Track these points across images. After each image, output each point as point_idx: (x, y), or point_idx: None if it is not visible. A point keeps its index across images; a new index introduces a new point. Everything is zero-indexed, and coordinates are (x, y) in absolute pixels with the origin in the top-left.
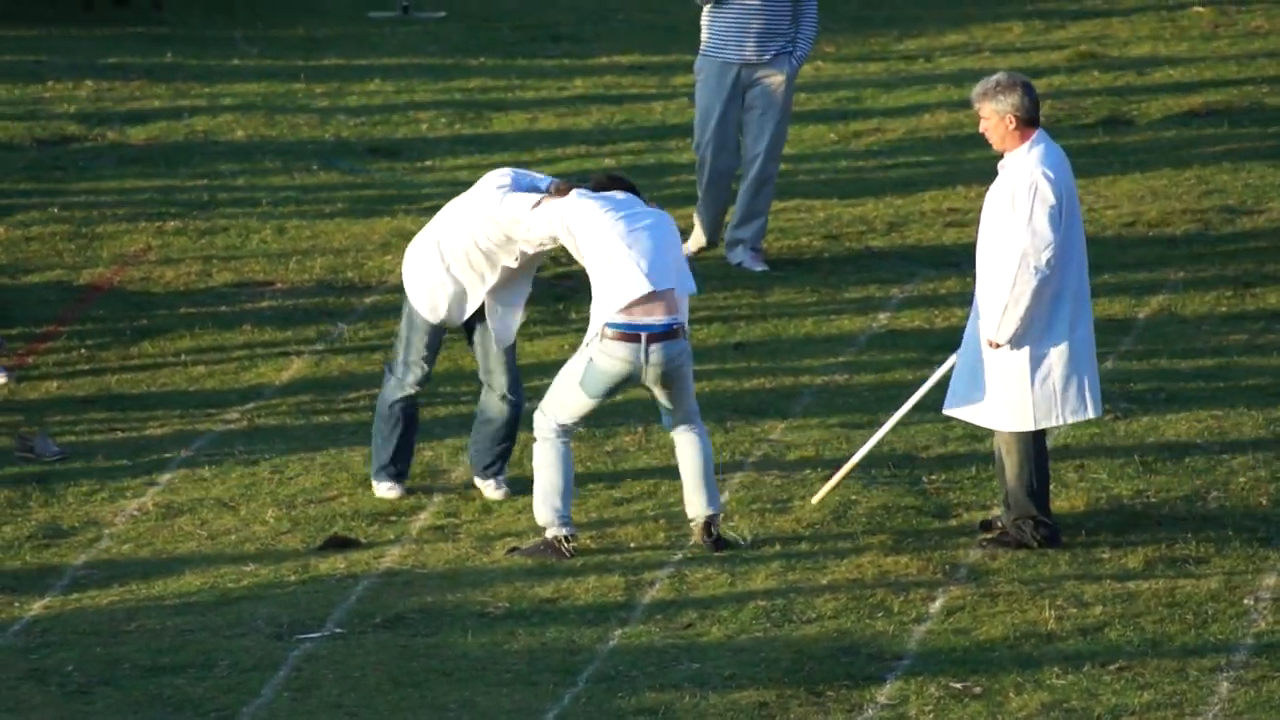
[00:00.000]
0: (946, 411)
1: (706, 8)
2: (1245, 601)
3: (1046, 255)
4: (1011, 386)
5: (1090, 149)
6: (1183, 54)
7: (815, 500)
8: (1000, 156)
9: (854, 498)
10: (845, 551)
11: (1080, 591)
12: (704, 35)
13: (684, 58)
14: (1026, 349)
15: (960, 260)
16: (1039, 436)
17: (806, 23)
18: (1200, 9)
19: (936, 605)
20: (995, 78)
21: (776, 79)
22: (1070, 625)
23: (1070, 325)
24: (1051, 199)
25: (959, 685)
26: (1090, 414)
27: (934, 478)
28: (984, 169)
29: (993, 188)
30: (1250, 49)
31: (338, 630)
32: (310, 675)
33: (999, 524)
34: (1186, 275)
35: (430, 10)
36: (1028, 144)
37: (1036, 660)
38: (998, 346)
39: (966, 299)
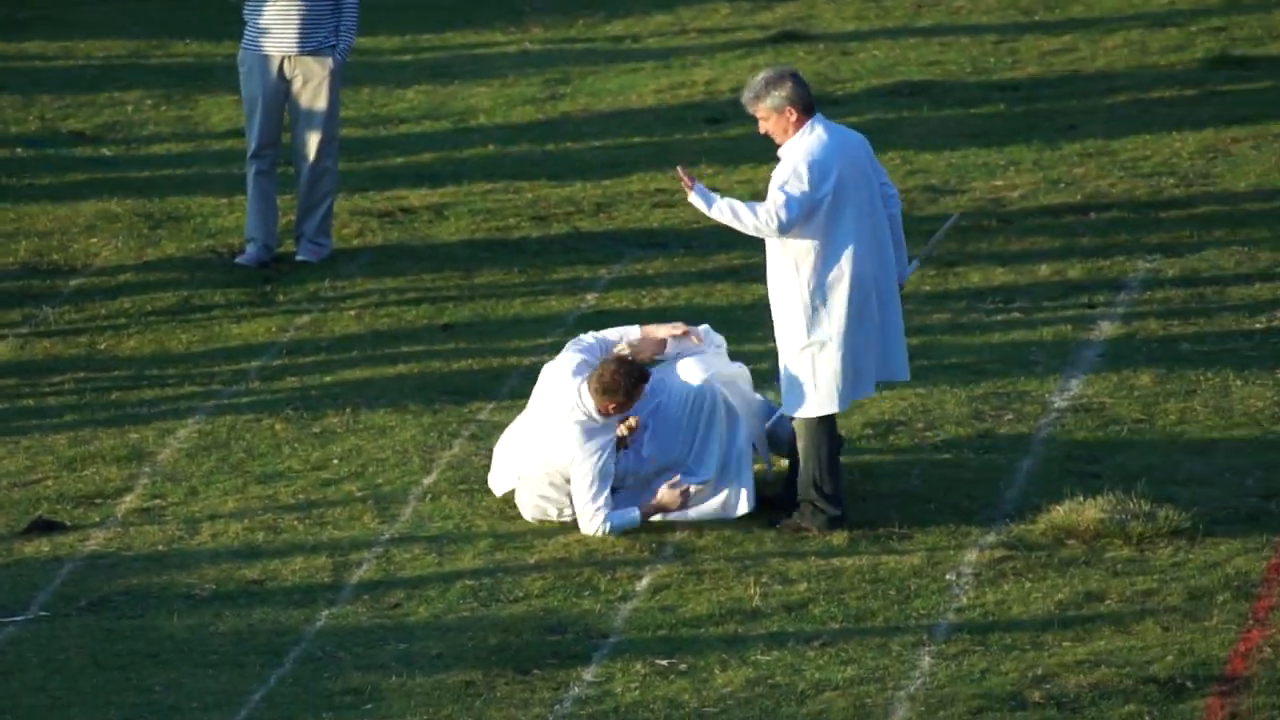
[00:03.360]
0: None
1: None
2: (947, 577)
3: (775, 221)
4: (798, 376)
5: None
6: (887, 34)
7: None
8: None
9: None
10: (553, 531)
11: (785, 569)
12: (246, 28)
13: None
14: (810, 337)
15: (668, 241)
16: (828, 423)
17: (348, 13)
18: None
19: (643, 583)
20: (761, 76)
21: (320, 71)
22: (775, 602)
23: (855, 314)
24: (806, 183)
25: (665, 663)
26: (868, 394)
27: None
28: (692, 150)
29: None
30: (953, 29)
31: (42, 614)
32: (14, 659)
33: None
34: None
35: None
36: (804, 129)
37: (741, 637)
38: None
39: (674, 279)
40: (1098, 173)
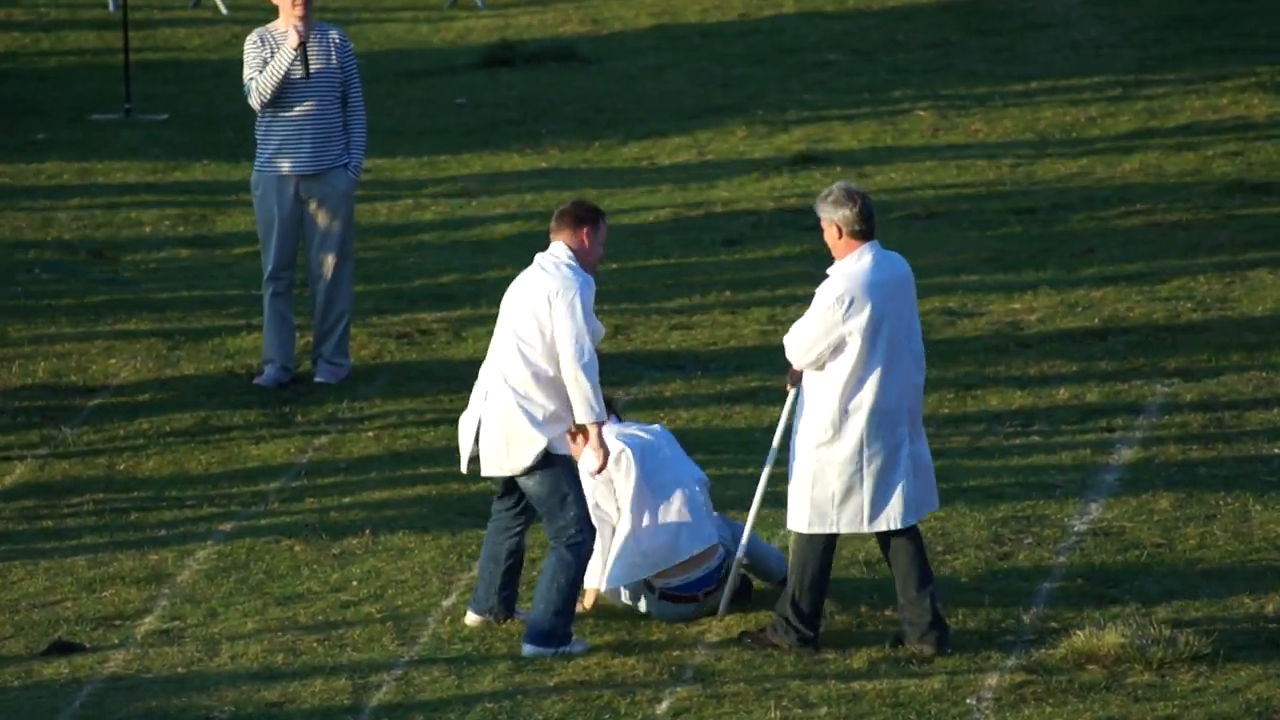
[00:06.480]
0: None
1: (260, 122)
2: (968, 701)
3: (794, 356)
4: (797, 484)
5: (812, 253)
6: (903, 156)
7: (720, 615)
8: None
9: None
10: (572, 655)
11: (805, 692)
12: (258, 148)
13: (405, 160)
14: (814, 452)
15: (685, 363)
16: (819, 544)
17: (357, 131)
18: (921, 112)
19: (663, 707)
20: (834, 187)
21: (335, 189)
22: None
23: (867, 443)
24: (830, 321)
25: None
26: (865, 528)
27: None
28: (709, 272)
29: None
30: (970, 151)
31: None
32: None
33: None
34: None
35: (153, 113)
36: (853, 255)
37: None
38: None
39: (692, 401)
40: (1115, 296)
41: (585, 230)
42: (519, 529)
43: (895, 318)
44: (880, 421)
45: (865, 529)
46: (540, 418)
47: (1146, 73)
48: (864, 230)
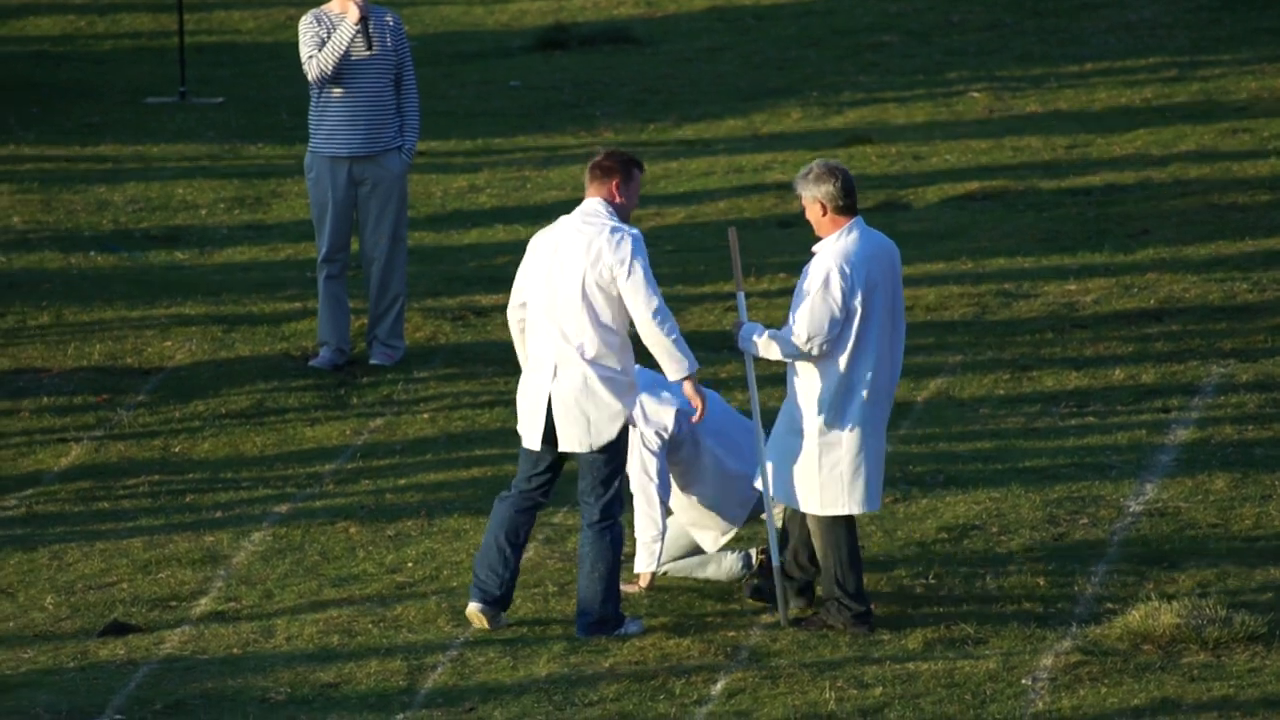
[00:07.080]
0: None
1: (314, 105)
2: (1023, 681)
3: (808, 346)
4: (806, 470)
5: None
6: (959, 138)
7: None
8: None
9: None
10: (627, 635)
11: (860, 673)
12: (311, 130)
13: (461, 142)
14: (818, 434)
15: None
16: (845, 521)
17: (410, 113)
18: (976, 94)
19: (718, 687)
20: (813, 164)
21: (388, 172)
22: (850, 706)
23: (868, 419)
24: (838, 297)
25: None
26: (873, 508)
27: None
28: (764, 253)
29: (805, 269)
30: (1025, 132)
31: (118, 717)
32: None
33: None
34: (964, 358)
35: (208, 96)
36: (840, 231)
37: None
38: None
39: (747, 382)
40: (1171, 277)
41: (615, 182)
42: (537, 509)
43: (884, 293)
44: (875, 398)
45: (870, 509)
46: (623, 389)
47: (1201, 54)
48: (848, 205)
